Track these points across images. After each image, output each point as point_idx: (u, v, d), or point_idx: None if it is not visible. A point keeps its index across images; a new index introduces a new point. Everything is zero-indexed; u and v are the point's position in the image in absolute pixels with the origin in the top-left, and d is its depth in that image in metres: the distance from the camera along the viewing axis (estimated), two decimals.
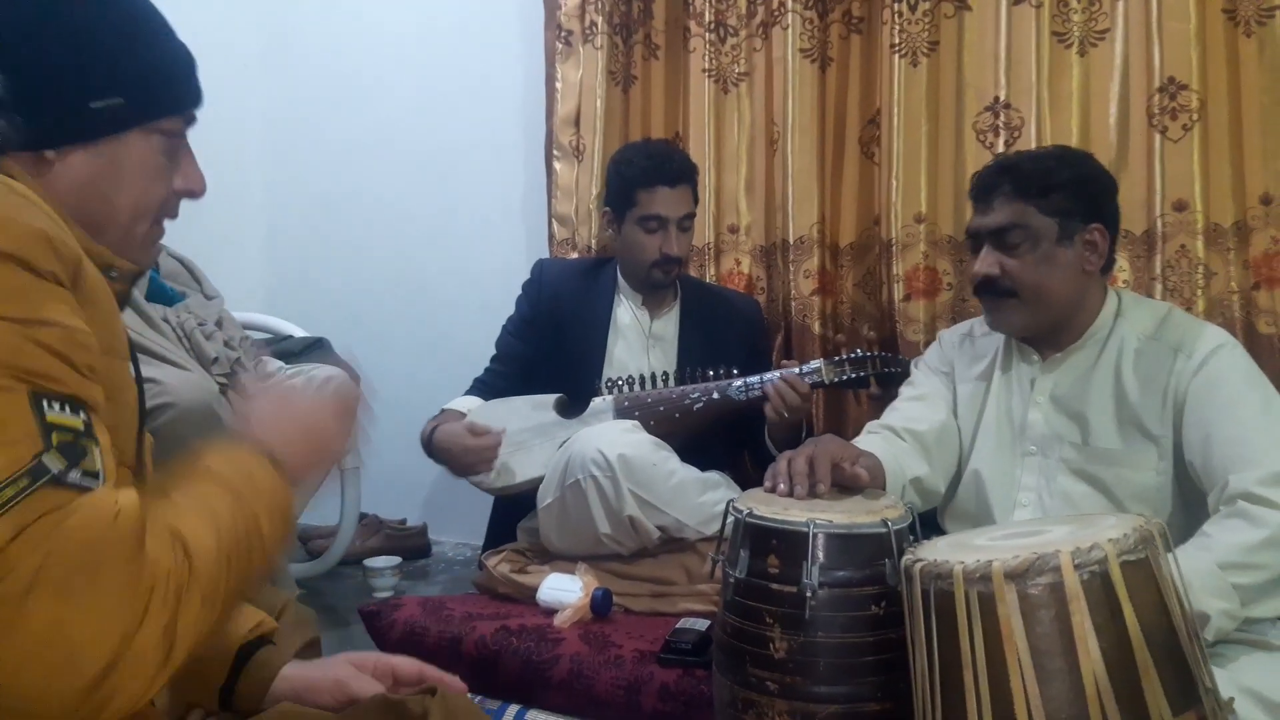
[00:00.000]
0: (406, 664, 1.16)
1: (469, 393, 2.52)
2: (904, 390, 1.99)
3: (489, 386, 2.50)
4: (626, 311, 2.49)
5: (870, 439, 1.85)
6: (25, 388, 0.78)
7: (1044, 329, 1.78)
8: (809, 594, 1.35)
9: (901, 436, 1.85)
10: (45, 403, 0.79)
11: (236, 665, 1.14)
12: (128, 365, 0.99)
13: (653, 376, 2.32)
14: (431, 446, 2.35)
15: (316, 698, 1.12)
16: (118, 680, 0.75)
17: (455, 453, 2.29)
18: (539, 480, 2.24)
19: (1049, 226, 1.69)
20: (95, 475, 0.80)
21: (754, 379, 2.21)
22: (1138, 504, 1.65)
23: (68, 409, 0.81)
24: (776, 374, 2.19)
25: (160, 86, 1.04)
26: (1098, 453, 1.71)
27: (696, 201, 2.46)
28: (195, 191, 1.10)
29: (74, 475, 0.79)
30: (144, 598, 0.77)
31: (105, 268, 0.99)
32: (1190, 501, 1.64)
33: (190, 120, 1.08)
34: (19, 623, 0.73)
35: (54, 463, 0.78)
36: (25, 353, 0.79)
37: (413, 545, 3.32)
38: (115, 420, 0.93)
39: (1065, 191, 1.69)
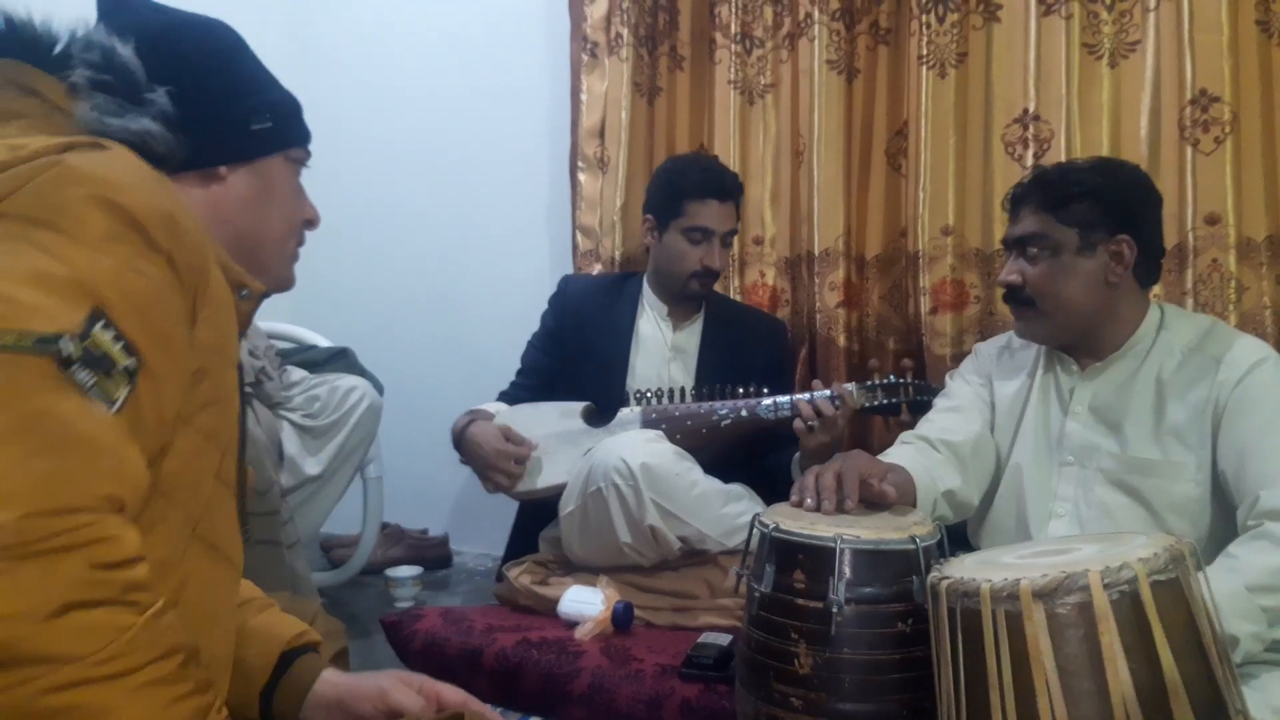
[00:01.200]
0: (452, 693, 1.16)
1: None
2: (939, 401, 1.97)
3: (513, 400, 2.51)
4: (649, 323, 2.49)
5: (903, 450, 1.83)
6: (90, 304, 0.80)
7: (1070, 338, 1.77)
8: (835, 610, 1.33)
9: (936, 448, 1.83)
10: (101, 322, 0.80)
11: (279, 669, 1.15)
12: (235, 375, 1.03)
13: (682, 391, 2.32)
14: (463, 441, 2.35)
15: (357, 704, 1.12)
16: None
17: (486, 452, 2.28)
18: (561, 487, 2.23)
19: (1069, 236, 1.69)
20: (111, 402, 0.79)
21: (784, 399, 2.20)
22: (1175, 515, 1.63)
23: (120, 344, 0.81)
24: (808, 395, 2.18)
25: (293, 117, 1.25)
26: (1136, 463, 1.68)
27: (739, 219, 2.49)
28: (315, 222, 1.31)
29: (83, 375, 0.78)
30: (52, 498, 0.73)
31: (238, 286, 1.06)
32: (1229, 513, 1.61)
33: (309, 155, 1.28)
34: None
35: (70, 348, 0.77)
36: (109, 283, 0.82)
37: (434, 555, 3.32)
38: (218, 426, 0.97)
39: (1087, 202, 1.69)
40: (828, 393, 2.16)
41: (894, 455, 1.79)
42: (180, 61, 1.10)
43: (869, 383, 2.19)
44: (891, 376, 2.20)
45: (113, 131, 0.99)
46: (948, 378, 2.02)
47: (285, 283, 1.26)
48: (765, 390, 2.24)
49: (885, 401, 2.17)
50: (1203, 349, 1.68)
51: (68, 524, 0.73)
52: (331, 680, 1.13)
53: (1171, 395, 1.67)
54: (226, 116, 1.14)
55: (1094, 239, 1.69)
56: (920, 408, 2.12)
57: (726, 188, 2.40)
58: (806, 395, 2.17)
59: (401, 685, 1.15)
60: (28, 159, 0.87)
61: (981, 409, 1.90)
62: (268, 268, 1.19)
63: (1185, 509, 1.63)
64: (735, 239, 2.74)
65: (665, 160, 2.59)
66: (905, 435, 1.91)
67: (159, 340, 0.86)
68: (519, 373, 2.58)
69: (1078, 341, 1.77)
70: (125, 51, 1.02)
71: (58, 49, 1.00)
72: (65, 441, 0.75)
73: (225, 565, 1.02)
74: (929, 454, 1.82)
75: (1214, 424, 1.62)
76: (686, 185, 2.38)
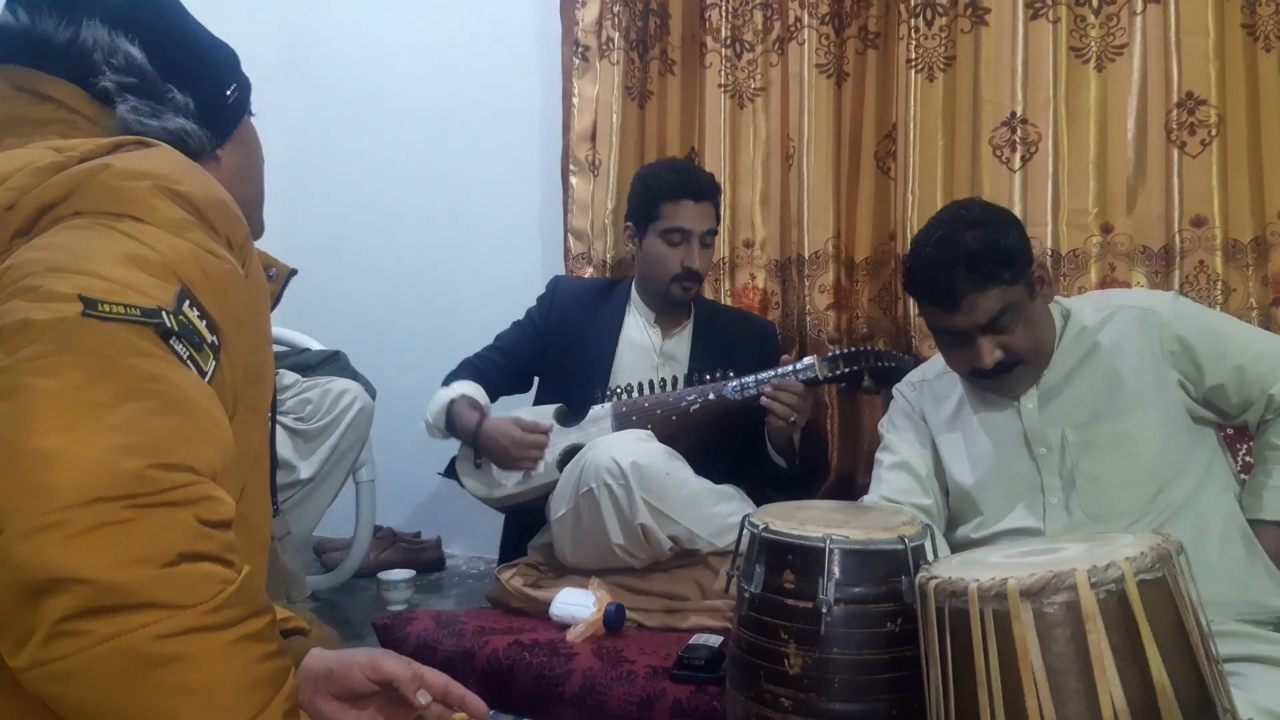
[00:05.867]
0: (435, 675, 1.16)
1: (458, 373, 2.53)
2: (882, 456, 1.95)
3: (481, 373, 2.51)
4: (638, 329, 2.49)
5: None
6: (178, 284, 0.84)
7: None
8: (824, 610, 1.34)
9: (899, 503, 1.85)
10: (187, 301, 0.84)
11: None
12: (271, 352, 1.06)
13: (650, 383, 2.32)
14: (479, 439, 2.34)
15: (348, 673, 1.11)
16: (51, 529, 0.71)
17: (505, 445, 2.30)
18: (539, 489, 2.25)
19: (1020, 292, 1.68)
20: (203, 373, 0.83)
21: (749, 379, 2.21)
22: (1154, 459, 1.67)
23: (204, 322, 0.85)
24: (770, 374, 2.19)
25: (240, 69, 1.22)
26: (1097, 424, 1.71)
27: (719, 221, 2.47)
28: None
29: (180, 347, 0.82)
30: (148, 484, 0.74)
31: (265, 267, 1.08)
32: (1193, 446, 1.69)
33: None
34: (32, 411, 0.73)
35: (169, 321, 0.81)
36: (190, 265, 0.87)
37: (427, 558, 3.32)
38: (261, 402, 0.99)
39: (1013, 252, 1.67)
40: (790, 368, 2.18)
41: None
42: (163, 50, 1.10)
43: (830, 354, 2.21)
44: (852, 348, 2.21)
45: (153, 131, 1.03)
46: (880, 428, 2.01)
47: (261, 231, 1.26)
48: (730, 374, 2.25)
49: (847, 370, 2.18)
50: (1116, 311, 1.76)
51: (182, 479, 0.76)
52: (320, 655, 1.13)
53: (1109, 356, 1.73)
54: (212, 99, 1.14)
55: (1029, 280, 1.70)
56: (884, 375, 2.13)
57: (700, 187, 2.39)
58: (767, 374, 2.19)
59: (389, 653, 1.16)
60: (80, 159, 0.90)
61: (923, 454, 1.90)
62: (258, 227, 1.20)
63: (1158, 449, 1.67)
64: (722, 242, 2.76)
65: (641, 168, 2.59)
66: (867, 500, 1.91)
67: (232, 319, 0.90)
68: (492, 348, 2.58)
69: None
70: (136, 52, 1.06)
71: (85, 55, 1.03)
72: (178, 404, 0.79)
73: (256, 537, 1.03)
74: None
75: (1182, 364, 1.69)
76: (660, 188, 2.39)
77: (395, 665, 1.10)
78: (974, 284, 1.64)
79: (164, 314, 0.81)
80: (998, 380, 1.74)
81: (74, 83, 1.03)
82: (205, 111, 1.12)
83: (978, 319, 1.67)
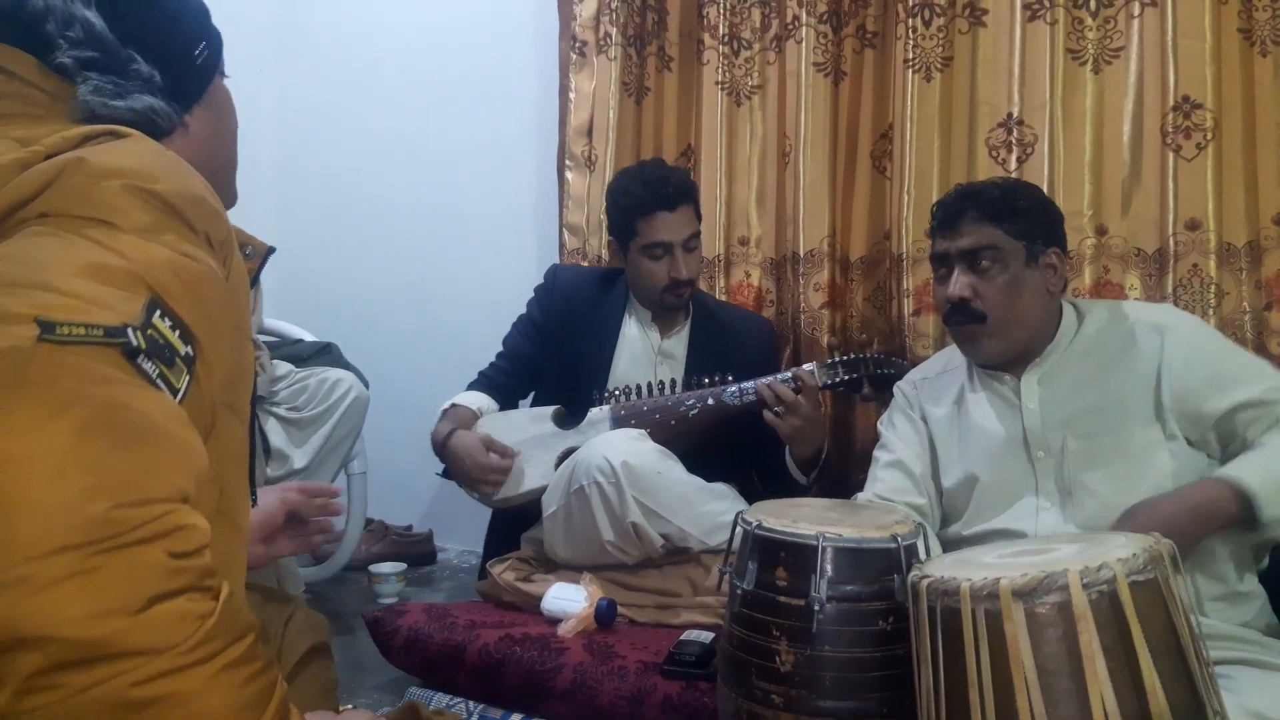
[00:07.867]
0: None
1: (473, 387, 2.52)
2: (879, 454, 1.96)
3: (493, 383, 2.51)
4: (636, 327, 2.49)
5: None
6: (147, 294, 0.80)
7: (1015, 353, 1.79)
8: (816, 607, 1.34)
9: (893, 502, 1.85)
10: (158, 311, 0.80)
11: None
12: (251, 347, 1.02)
13: (649, 385, 2.32)
14: (445, 453, 2.34)
15: None
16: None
17: (468, 466, 2.28)
18: (537, 492, 2.24)
19: (1017, 249, 1.72)
20: (174, 391, 0.80)
21: (748, 384, 2.21)
22: (1155, 479, 1.64)
23: (177, 332, 0.81)
24: (770, 378, 2.19)
25: (212, 26, 1.15)
26: (1101, 436, 1.71)
27: (699, 218, 2.45)
28: None
29: (149, 366, 0.77)
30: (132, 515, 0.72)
31: (241, 245, 1.03)
32: (1191, 469, 1.66)
33: None
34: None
35: (136, 339, 0.77)
36: (162, 270, 0.82)
37: (418, 552, 3.32)
38: (240, 400, 0.96)
39: (1028, 216, 1.74)
40: (789, 374, 2.18)
41: None
42: (123, 10, 1.02)
43: (829, 360, 2.21)
44: (851, 353, 2.21)
45: (119, 114, 0.97)
46: (879, 425, 2.02)
47: (234, 200, 1.20)
48: (730, 378, 2.25)
49: (846, 378, 2.19)
50: (1130, 319, 1.76)
51: (150, 514, 0.72)
52: None
53: (1120, 367, 1.72)
54: (179, 62, 1.07)
55: (1035, 252, 1.73)
56: (883, 382, 2.13)
57: (671, 196, 2.33)
58: (766, 380, 2.19)
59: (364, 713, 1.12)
60: (46, 155, 0.86)
61: (920, 453, 1.91)
62: (230, 196, 1.15)
63: (1159, 465, 1.65)
64: (717, 239, 2.75)
65: (612, 179, 2.56)
66: (861, 497, 1.92)
67: (210, 323, 0.86)
68: (501, 356, 2.58)
69: (1018, 354, 1.79)
70: (96, 20, 0.99)
71: (37, 21, 0.96)
72: (143, 434, 0.75)
73: (237, 534, 1.01)
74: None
75: (1185, 384, 1.67)
76: (632, 204, 2.35)
77: None
78: (973, 217, 1.75)
79: (130, 331, 0.77)
80: (961, 329, 1.79)
81: (27, 52, 0.97)
82: (172, 79, 1.05)
83: (961, 245, 1.76)
